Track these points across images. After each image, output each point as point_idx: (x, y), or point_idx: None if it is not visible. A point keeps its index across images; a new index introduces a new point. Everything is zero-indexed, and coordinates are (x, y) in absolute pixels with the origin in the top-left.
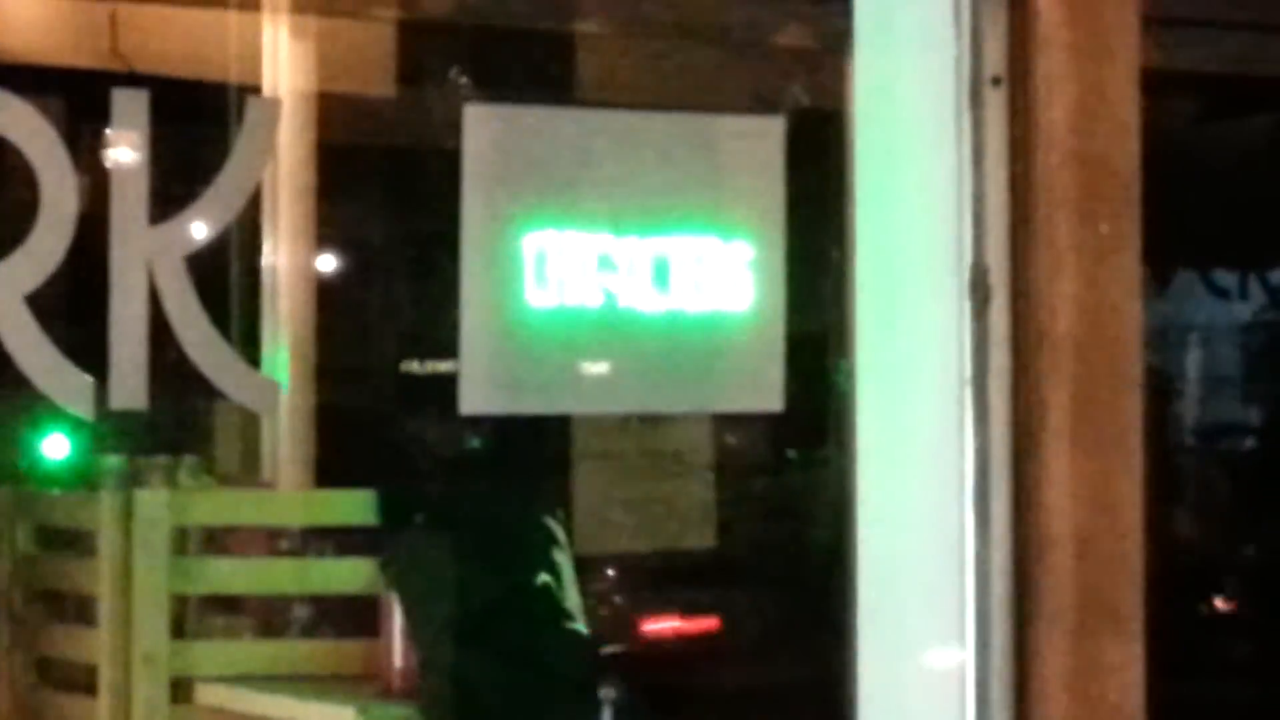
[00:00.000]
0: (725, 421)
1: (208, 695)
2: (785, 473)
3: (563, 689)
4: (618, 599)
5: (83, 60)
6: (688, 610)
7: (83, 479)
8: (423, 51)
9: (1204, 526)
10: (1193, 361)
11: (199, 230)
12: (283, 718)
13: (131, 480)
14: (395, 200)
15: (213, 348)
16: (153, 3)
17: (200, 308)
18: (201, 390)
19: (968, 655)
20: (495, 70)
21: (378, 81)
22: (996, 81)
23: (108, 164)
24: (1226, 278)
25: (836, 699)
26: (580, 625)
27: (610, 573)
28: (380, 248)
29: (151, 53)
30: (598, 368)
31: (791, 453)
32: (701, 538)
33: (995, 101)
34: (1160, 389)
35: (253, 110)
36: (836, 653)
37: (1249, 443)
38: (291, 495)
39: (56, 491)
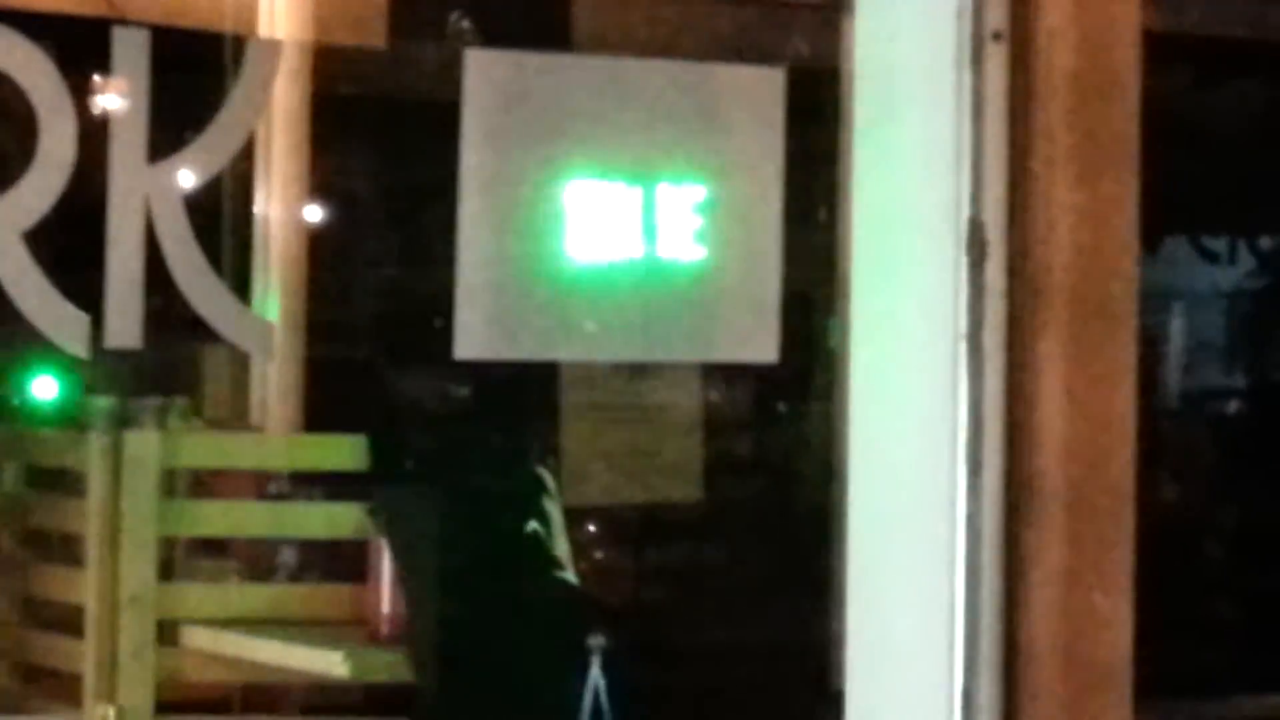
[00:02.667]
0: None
1: (194, 638)
2: (776, 427)
3: (551, 637)
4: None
5: (73, 6)
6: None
7: (72, 419)
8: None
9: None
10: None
11: (197, 171)
12: (270, 661)
13: (121, 422)
14: (390, 150)
15: (209, 288)
16: None
17: (197, 248)
18: (193, 332)
19: (958, 610)
20: (493, 18)
21: (372, 31)
22: (997, 36)
23: (107, 103)
24: (1216, 243)
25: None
26: (569, 574)
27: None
28: (375, 197)
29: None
30: (592, 315)
31: (782, 406)
32: (687, 491)
33: (996, 56)
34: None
35: (253, 52)
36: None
37: (1233, 407)
38: (281, 439)
39: (46, 431)
